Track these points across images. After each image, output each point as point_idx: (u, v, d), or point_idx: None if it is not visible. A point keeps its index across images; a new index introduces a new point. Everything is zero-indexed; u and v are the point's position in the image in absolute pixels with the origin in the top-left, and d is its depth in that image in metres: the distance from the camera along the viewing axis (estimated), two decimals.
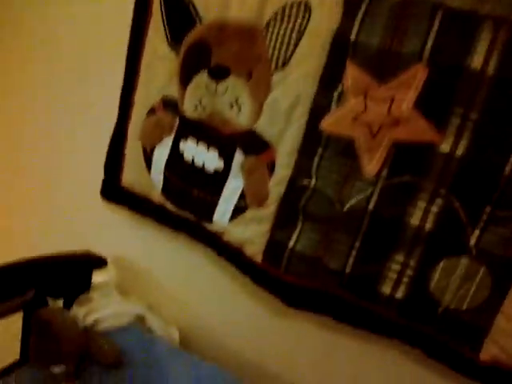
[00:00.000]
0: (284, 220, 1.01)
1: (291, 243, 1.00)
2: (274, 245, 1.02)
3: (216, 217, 1.08)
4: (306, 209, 0.98)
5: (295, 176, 0.99)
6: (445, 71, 0.81)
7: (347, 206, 0.94)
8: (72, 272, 1.19)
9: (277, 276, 1.02)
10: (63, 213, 1.41)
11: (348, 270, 0.96)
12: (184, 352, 1.16)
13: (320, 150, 0.95)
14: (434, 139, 0.84)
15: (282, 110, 0.97)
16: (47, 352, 1.02)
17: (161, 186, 1.13)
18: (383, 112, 0.86)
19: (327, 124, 0.93)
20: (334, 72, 0.91)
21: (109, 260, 1.26)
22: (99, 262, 1.25)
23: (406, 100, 0.84)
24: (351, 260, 0.95)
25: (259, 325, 1.18)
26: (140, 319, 1.21)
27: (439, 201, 0.86)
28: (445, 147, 0.83)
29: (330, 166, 0.94)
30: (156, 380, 1.06)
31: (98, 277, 1.26)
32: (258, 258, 1.04)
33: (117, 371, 1.07)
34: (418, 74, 0.83)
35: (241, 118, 1.01)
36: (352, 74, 0.88)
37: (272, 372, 1.18)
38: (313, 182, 0.97)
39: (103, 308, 1.16)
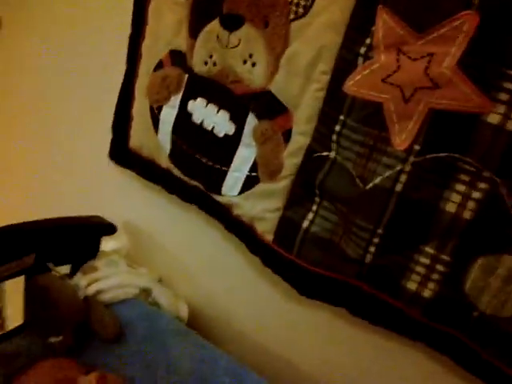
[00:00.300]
0: (298, 197, 0.88)
1: (305, 224, 0.87)
2: (287, 224, 0.89)
3: (225, 188, 0.96)
4: (323, 185, 0.85)
5: (313, 146, 0.85)
6: (499, 22, 0.63)
7: (370, 184, 0.79)
8: (78, 238, 1.12)
9: (288, 260, 0.90)
10: (73, 177, 1.35)
11: (368, 259, 0.82)
12: (189, 331, 1.08)
13: (342, 117, 0.80)
14: (480, 107, 0.67)
15: (301, 67, 0.82)
16: (44, 321, 0.97)
17: (168, 151, 1.03)
18: (419, 72, 0.70)
19: (352, 85, 0.78)
20: (363, 21, 0.74)
21: (119, 227, 1.19)
22: (108, 229, 1.18)
23: (448, 58, 0.67)
24: (372, 248, 0.81)
25: (272, 308, 1.08)
26: (147, 292, 1.14)
27: (482, 185, 0.70)
28: (493, 118, 0.66)
29: (352, 136, 0.79)
30: (157, 358, 0.99)
31: (105, 245, 1.19)
32: (269, 238, 0.92)
33: (116, 345, 1.01)
34: (465, 26, 0.65)
35: (255, 76, 0.87)
36: (384, 25, 0.72)
37: (279, 358, 1.08)
38: (332, 154, 0.83)
39: (108, 278, 1.10)
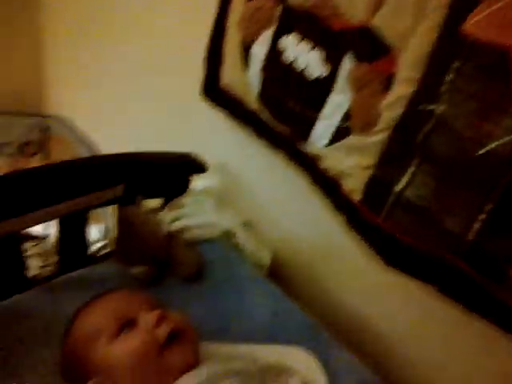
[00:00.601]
0: (394, 154, 0.76)
1: (399, 186, 0.76)
2: (377, 184, 0.79)
3: (313, 137, 0.87)
4: (425, 144, 0.72)
5: (418, 97, 0.71)
6: None
7: (483, 150, 0.64)
8: (169, 173, 1.12)
9: (376, 224, 0.80)
10: (166, 113, 1.34)
11: (471, 237, 0.69)
12: (268, 281, 1.05)
13: (457, 64, 0.65)
14: None
15: (410, 0, 0.67)
16: (128, 251, 1.00)
17: (257, 91, 0.95)
18: None
19: (473, 25, 0.61)
20: None
21: (210, 167, 1.16)
22: (200, 168, 1.16)
23: None
24: (477, 225, 0.68)
25: (358, 270, 0.99)
26: (230, 235, 1.12)
27: None
28: None
29: (468, 88, 0.64)
30: (231, 303, 0.98)
31: (195, 183, 1.19)
32: (356, 197, 0.82)
33: (194, 284, 1.02)
34: None
35: (356, 8, 0.74)
36: None
37: (357, 320, 1.01)
38: (440, 107, 0.68)
39: (193, 216, 1.10)
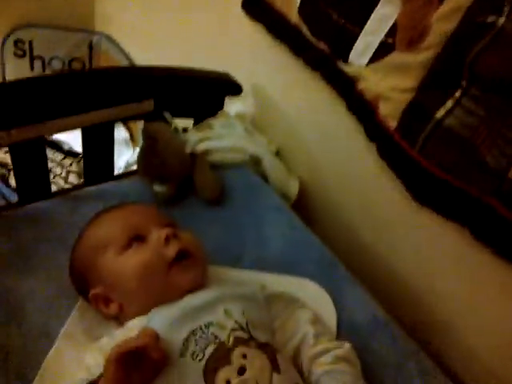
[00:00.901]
0: (439, 75, 0.66)
1: (440, 113, 0.67)
2: (416, 110, 0.70)
3: (353, 55, 0.78)
4: (477, 65, 0.62)
5: (476, 7, 0.61)
6: None
7: None
8: (201, 92, 1.07)
9: (409, 155, 0.72)
10: (203, 32, 1.26)
11: None
12: (292, 212, 1.00)
13: None
14: None
15: None
16: (151, 168, 0.98)
17: (299, 3, 0.86)
18: None
19: None
20: None
21: (245, 90, 1.10)
22: (233, 89, 1.10)
23: None
24: None
25: (388, 208, 0.92)
26: (257, 162, 1.07)
27: None
28: None
29: None
30: (249, 230, 0.95)
31: (228, 106, 1.13)
32: (392, 124, 0.74)
33: (215, 208, 0.98)
34: None
35: None
36: None
37: (378, 260, 0.95)
38: (501, 20, 0.58)
39: (221, 139, 1.05)
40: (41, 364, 0.69)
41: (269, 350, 0.63)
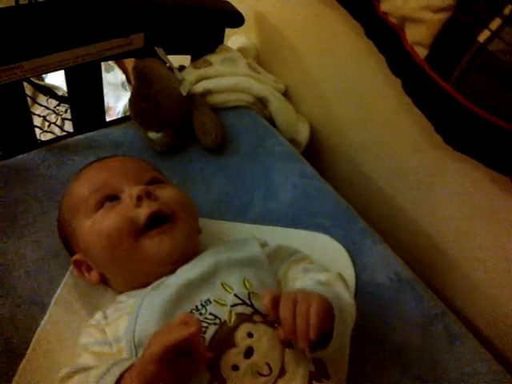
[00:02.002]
0: None
1: (484, 35, 0.55)
2: (452, 33, 0.58)
3: None
4: None
5: None
6: None
7: None
8: (196, 23, 0.94)
9: (442, 89, 0.61)
10: None
11: None
12: (302, 159, 0.90)
13: None
14: None
15: None
16: (143, 113, 0.87)
17: None
18: None
19: None
20: None
21: (247, 19, 0.97)
22: (234, 19, 0.97)
23: None
24: None
25: (409, 159, 0.82)
26: (264, 103, 0.96)
27: None
28: None
29: None
30: (257, 179, 0.86)
31: (228, 39, 1.00)
32: (421, 52, 0.62)
33: (217, 155, 0.89)
34: None
35: None
36: None
37: (394, 211, 0.87)
38: None
39: (222, 77, 0.93)
40: (33, 335, 0.63)
41: (276, 322, 0.53)
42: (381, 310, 0.71)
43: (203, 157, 0.88)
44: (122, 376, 0.46)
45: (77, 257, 0.64)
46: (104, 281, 0.65)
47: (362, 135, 0.91)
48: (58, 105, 1.70)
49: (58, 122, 1.64)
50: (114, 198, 0.61)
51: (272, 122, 0.95)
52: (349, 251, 0.76)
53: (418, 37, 0.61)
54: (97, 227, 0.59)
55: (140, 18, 0.87)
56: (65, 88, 1.70)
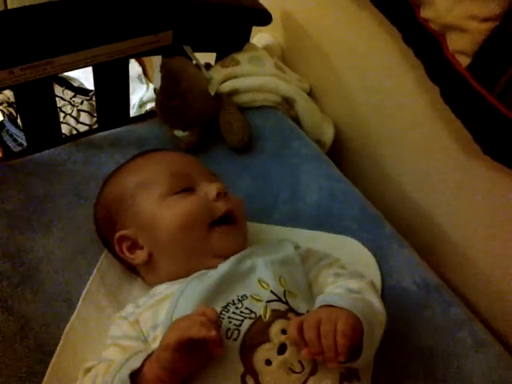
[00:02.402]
0: None
1: None
2: (498, 42, 0.57)
3: None
4: None
5: None
6: None
7: None
8: (224, 21, 0.93)
9: (484, 99, 0.60)
10: None
11: None
12: (327, 160, 0.90)
13: None
14: None
15: None
16: (170, 111, 0.87)
17: None
18: None
19: None
20: None
21: (274, 18, 0.96)
22: (262, 17, 0.96)
23: None
24: None
25: (440, 161, 0.82)
26: (290, 103, 0.96)
27: None
28: None
29: None
30: (283, 180, 0.86)
31: (255, 37, 0.99)
32: (464, 61, 0.61)
33: (243, 155, 0.89)
34: None
35: None
36: None
37: (420, 213, 0.86)
38: None
39: (249, 77, 0.93)
40: (61, 333, 0.63)
41: None
42: (406, 315, 0.71)
43: (228, 156, 0.88)
44: (145, 361, 0.49)
45: (125, 232, 0.64)
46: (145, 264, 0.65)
47: (388, 138, 0.90)
48: (74, 96, 1.69)
49: (74, 114, 1.63)
50: (189, 188, 0.65)
51: (297, 122, 0.95)
52: (375, 255, 0.76)
53: (461, 45, 0.60)
54: (175, 209, 0.62)
55: (169, 16, 0.87)
56: (81, 79, 1.70)
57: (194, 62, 0.89)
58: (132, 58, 0.88)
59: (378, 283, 0.72)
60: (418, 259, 0.76)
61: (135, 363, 0.49)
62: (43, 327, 0.63)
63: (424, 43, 0.65)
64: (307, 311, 0.57)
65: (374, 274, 0.73)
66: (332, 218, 0.80)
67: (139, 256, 0.64)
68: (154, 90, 1.65)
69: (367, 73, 0.90)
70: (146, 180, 0.65)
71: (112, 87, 0.89)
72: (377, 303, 0.58)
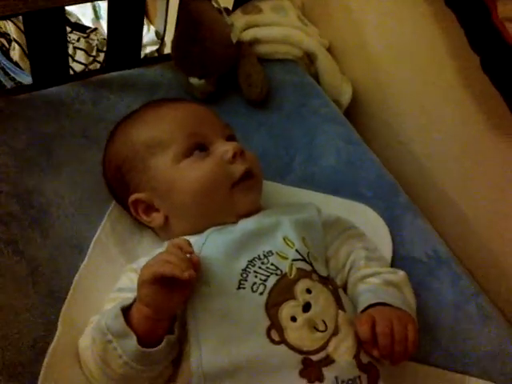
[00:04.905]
0: None
1: None
2: None
3: None
4: None
5: None
6: None
7: None
8: None
9: None
10: None
11: None
12: (345, 121, 0.88)
13: None
14: None
15: None
16: (187, 56, 0.82)
17: None
18: None
19: None
20: None
21: None
22: None
23: None
24: None
25: (464, 128, 0.80)
26: (311, 59, 0.92)
27: None
28: None
29: None
30: (299, 140, 0.84)
31: None
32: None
33: (260, 109, 0.86)
34: None
35: None
36: None
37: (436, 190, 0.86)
38: None
39: (272, 27, 0.88)
40: (72, 280, 0.61)
41: (330, 284, 0.57)
42: (415, 286, 0.70)
43: (245, 109, 0.85)
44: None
45: (140, 196, 0.62)
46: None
47: (408, 103, 0.88)
48: (70, 32, 1.60)
49: (70, 51, 1.55)
50: (203, 147, 0.62)
51: (316, 79, 0.91)
52: (388, 224, 0.75)
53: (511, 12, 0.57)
54: (194, 173, 0.60)
55: None
56: (78, 15, 1.60)
57: (216, 5, 0.83)
58: None
59: (389, 253, 0.72)
60: (431, 230, 0.76)
61: (127, 301, 0.51)
62: (54, 273, 0.61)
63: (470, 9, 0.62)
64: (328, 275, 0.58)
65: (386, 243, 0.73)
66: (347, 184, 0.79)
67: (156, 219, 0.62)
68: (156, 32, 1.59)
69: (393, 35, 0.87)
70: (159, 140, 0.62)
71: (126, 25, 0.84)
72: (413, 301, 0.60)
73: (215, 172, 0.60)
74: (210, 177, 0.60)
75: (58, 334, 0.56)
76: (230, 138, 0.65)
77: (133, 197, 0.62)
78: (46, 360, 0.54)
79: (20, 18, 1.17)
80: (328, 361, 0.51)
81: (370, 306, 0.55)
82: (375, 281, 0.59)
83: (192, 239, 0.56)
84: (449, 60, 0.76)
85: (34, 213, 0.65)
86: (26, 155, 0.70)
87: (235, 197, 0.61)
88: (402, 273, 0.63)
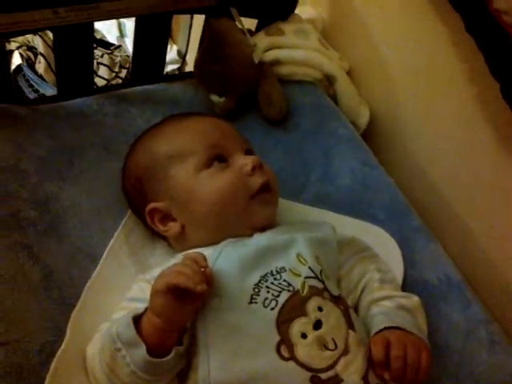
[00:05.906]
0: None
1: None
2: None
3: None
4: None
5: None
6: None
7: None
8: None
9: None
10: None
11: None
12: (362, 143, 0.88)
13: None
14: None
15: None
16: (209, 74, 0.84)
17: None
18: None
19: None
20: None
21: None
22: None
23: None
24: None
25: (475, 156, 0.80)
26: (330, 82, 0.94)
27: None
28: None
29: None
30: (316, 159, 0.84)
31: (301, 9, 0.96)
32: None
33: (278, 128, 0.87)
34: None
35: None
36: None
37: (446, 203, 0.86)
38: None
39: (293, 49, 0.90)
40: (83, 287, 0.62)
41: (341, 304, 0.57)
42: (425, 309, 0.70)
43: (262, 127, 0.86)
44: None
45: (158, 205, 0.63)
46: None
47: (424, 129, 0.88)
48: (95, 48, 1.64)
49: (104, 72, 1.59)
50: (222, 159, 0.63)
51: (334, 101, 0.92)
52: (400, 247, 0.75)
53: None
54: (213, 184, 0.61)
55: None
56: (103, 31, 1.65)
57: (240, 26, 0.86)
58: (176, 13, 0.84)
59: (401, 276, 0.72)
60: (444, 255, 0.75)
61: (139, 310, 0.51)
62: (67, 280, 0.62)
63: (491, 35, 0.62)
64: (339, 295, 0.58)
65: (398, 265, 0.73)
66: (361, 205, 0.79)
67: (172, 228, 0.63)
68: (178, 51, 1.63)
69: (413, 58, 0.88)
70: (180, 151, 0.63)
71: (151, 42, 0.86)
72: (425, 327, 0.61)
73: (234, 183, 0.61)
74: (229, 188, 0.61)
75: (66, 340, 0.56)
76: (249, 152, 0.66)
77: (151, 205, 0.63)
78: (52, 366, 0.54)
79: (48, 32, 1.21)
80: (336, 380, 0.50)
81: (385, 328, 0.55)
82: (389, 304, 0.60)
83: (206, 252, 0.57)
84: (468, 85, 0.77)
85: (50, 219, 0.66)
86: (47, 163, 0.71)
87: (252, 209, 0.61)
88: (415, 298, 0.63)
